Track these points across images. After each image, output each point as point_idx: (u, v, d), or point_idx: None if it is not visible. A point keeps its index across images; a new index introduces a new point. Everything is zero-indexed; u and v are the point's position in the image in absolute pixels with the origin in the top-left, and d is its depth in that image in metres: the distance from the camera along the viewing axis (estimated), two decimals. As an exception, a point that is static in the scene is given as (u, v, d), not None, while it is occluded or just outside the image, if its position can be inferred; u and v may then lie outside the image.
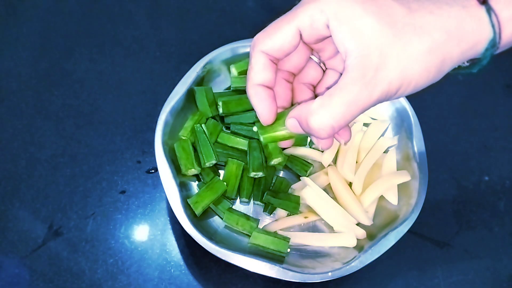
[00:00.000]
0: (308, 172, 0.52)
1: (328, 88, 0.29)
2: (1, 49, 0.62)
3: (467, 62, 0.31)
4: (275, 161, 0.51)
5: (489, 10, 0.28)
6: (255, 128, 0.50)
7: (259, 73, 0.32)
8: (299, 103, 0.33)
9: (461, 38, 0.28)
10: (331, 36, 0.29)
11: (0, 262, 0.49)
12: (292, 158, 0.53)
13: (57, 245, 0.50)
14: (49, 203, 0.52)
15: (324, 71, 0.35)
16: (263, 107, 0.32)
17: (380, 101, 0.29)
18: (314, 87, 0.36)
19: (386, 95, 0.29)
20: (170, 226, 0.52)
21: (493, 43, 0.29)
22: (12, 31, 0.63)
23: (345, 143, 0.34)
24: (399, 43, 0.27)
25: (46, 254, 0.49)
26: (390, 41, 0.27)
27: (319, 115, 0.28)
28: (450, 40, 0.28)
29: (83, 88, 0.59)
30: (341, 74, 0.31)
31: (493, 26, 0.28)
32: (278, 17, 0.32)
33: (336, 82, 0.29)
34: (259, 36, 0.31)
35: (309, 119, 0.29)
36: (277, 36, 0.30)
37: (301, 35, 0.30)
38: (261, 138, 0.34)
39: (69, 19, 0.65)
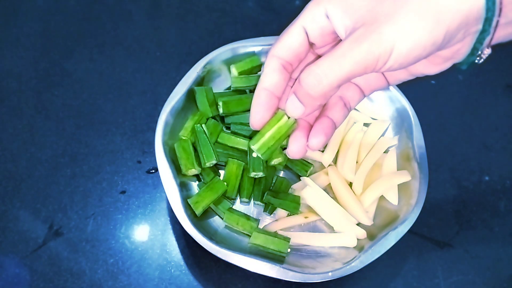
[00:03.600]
0: (308, 172, 0.52)
1: None
2: (1, 49, 0.62)
3: (468, 37, 0.30)
4: (275, 161, 0.51)
5: None
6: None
7: (267, 76, 0.33)
8: None
9: (460, 10, 0.27)
10: (332, 26, 0.31)
11: (0, 262, 0.49)
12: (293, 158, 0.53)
13: (58, 245, 0.50)
14: (50, 203, 0.52)
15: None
16: (257, 110, 0.33)
17: (374, 60, 0.28)
18: None
19: (379, 58, 0.28)
20: (170, 226, 0.52)
21: (491, 14, 0.28)
22: (12, 31, 0.63)
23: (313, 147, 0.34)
24: (391, 6, 0.28)
25: (46, 254, 0.49)
26: (382, 7, 0.28)
27: (322, 72, 0.29)
28: (452, 13, 0.27)
29: (83, 88, 0.59)
30: None
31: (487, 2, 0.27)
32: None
33: None
34: (273, 44, 0.33)
35: (318, 78, 0.29)
36: (285, 38, 0.32)
37: (307, 35, 0.32)
38: (257, 152, 0.35)
39: (69, 19, 0.65)
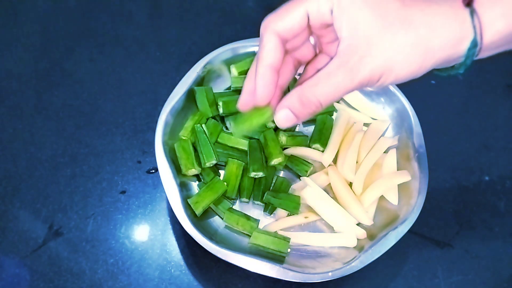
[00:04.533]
0: (308, 172, 0.52)
1: (318, 70, 0.32)
2: (1, 49, 0.62)
3: (452, 63, 0.33)
4: (275, 161, 0.51)
5: (472, 12, 0.30)
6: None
7: (270, 52, 0.33)
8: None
9: (444, 35, 0.30)
10: (333, 24, 0.32)
11: (1, 262, 0.49)
12: (293, 158, 0.53)
13: (58, 245, 0.50)
14: (50, 203, 0.52)
15: (316, 54, 0.37)
16: (266, 91, 0.34)
17: (362, 86, 0.32)
18: (299, 63, 0.37)
19: (368, 82, 0.31)
20: (170, 226, 0.52)
21: (474, 44, 0.31)
22: (12, 31, 0.63)
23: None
24: (387, 34, 0.30)
25: (47, 254, 0.49)
26: (378, 32, 0.30)
27: (308, 97, 0.32)
28: (433, 36, 0.30)
29: (83, 88, 0.59)
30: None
31: (474, 27, 0.30)
32: None
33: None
34: (270, 17, 0.33)
35: (302, 99, 0.32)
36: (288, 18, 0.32)
37: (308, 18, 0.33)
38: (234, 129, 0.36)
39: (69, 19, 0.65)
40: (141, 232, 0.51)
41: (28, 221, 0.51)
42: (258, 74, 0.33)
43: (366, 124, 0.55)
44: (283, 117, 0.33)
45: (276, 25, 0.33)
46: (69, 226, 0.51)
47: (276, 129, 0.54)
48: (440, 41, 0.30)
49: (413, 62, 0.31)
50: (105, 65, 0.61)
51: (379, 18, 0.30)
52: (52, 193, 0.52)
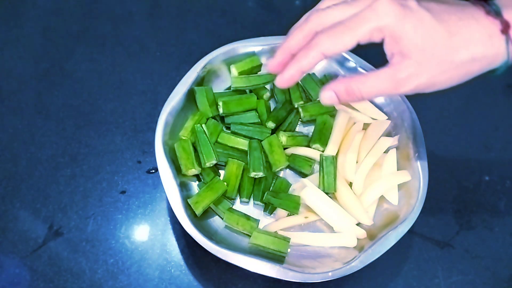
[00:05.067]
0: (311, 167, 0.52)
1: None
2: (1, 49, 0.62)
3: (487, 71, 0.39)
4: (280, 168, 0.51)
5: (508, 40, 0.36)
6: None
7: (309, 65, 0.38)
8: None
9: (482, 60, 0.37)
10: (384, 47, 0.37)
11: (1, 262, 0.49)
12: (294, 156, 0.53)
13: (58, 245, 0.50)
14: (50, 203, 0.52)
15: None
16: (279, 67, 0.40)
17: (403, 94, 0.39)
18: None
19: (410, 92, 0.37)
20: (170, 226, 0.52)
21: (506, 64, 0.37)
22: (13, 31, 0.63)
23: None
24: (434, 59, 0.36)
25: (47, 254, 0.49)
26: (428, 57, 0.35)
27: (354, 88, 0.37)
28: (473, 62, 0.36)
29: (83, 88, 0.59)
30: None
31: (508, 52, 0.36)
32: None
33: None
34: (322, 37, 0.37)
35: (347, 88, 0.38)
36: (339, 45, 0.36)
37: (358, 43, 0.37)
38: None
39: (69, 19, 0.65)
40: (141, 232, 0.51)
41: (28, 221, 0.51)
42: (279, 55, 0.40)
43: (366, 124, 0.55)
44: (328, 97, 0.39)
45: (327, 49, 0.37)
46: (69, 226, 0.51)
47: (275, 130, 0.54)
48: (480, 64, 0.37)
49: (454, 80, 0.37)
50: (105, 65, 0.61)
51: (430, 46, 0.35)
52: (52, 193, 0.52)
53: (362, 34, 0.36)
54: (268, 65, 0.41)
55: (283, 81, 0.39)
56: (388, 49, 0.37)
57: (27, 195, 0.52)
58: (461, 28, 0.36)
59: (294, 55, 0.39)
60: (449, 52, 0.36)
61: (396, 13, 0.35)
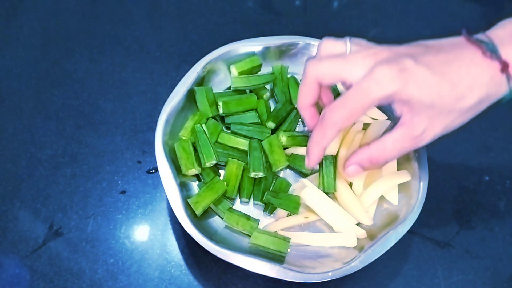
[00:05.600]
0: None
1: None
2: (1, 49, 0.62)
3: None
4: (280, 168, 0.51)
5: (509, 78, 0.37)
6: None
7: (328, 140, 0.41)
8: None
9: (488, 101, 0.39)
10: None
11: (1, 262, 0.49)
12: (294, 156, 0.53)
13: (58, 245, 0.50)
14: (50, 203, 0.52)
15: None
16: (312, 122, 0.45)
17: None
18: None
19: (427, 143, 0.40)
20: (170, 226, 0.52)
21: (509, 98, 0.39)
22: (12, 31, 0.63)
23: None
24: (444, 111, 0.37)
25: (47, 254, 0.49)
26: (438, 112, 0.37)
27: (377, 159, 0.41)
28: (480, 104, 0.38)
29: (83, 88, 0.60)
30: None
31: (510, 88, 0.38)
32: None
33: None
34: (335, 116, 0.39)
35: (371, 161, 0.42)
36: (350, 120, 0.39)
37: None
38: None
39: (69, 19, 0.65)
40: (141, 232, 0.51)
41: (28, 221, 0.51)
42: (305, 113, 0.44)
43: (366, 124, 0.55)
44: (353, 171, 0.43)
45: (341, 125, 0.39)
46: (69, 226, 0.51)
47: (275, 130, 0.54)
48: (486, 104, 0.39)
49: (466, 121, 0.39)
50: (105, 65, 0.61)
51: (437, 101, 0.37)
52: (52, 193, 0.52)
53: (370, 106, 0.38)
54: (306, 128, 0.45)
55: (312, 163, 0.43)
56: (396, 108, 0.39)
57: (27, 195, 0.52)
58: (462, 76, 0.37)
59: (313, 104, 0.43)
60: (456, 102, 0.37)
61: (397, 79, 0.36)
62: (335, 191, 0.50)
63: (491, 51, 0.37)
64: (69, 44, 0.63)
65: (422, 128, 0.38)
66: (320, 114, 0.41)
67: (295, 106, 0.56)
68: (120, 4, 0.67)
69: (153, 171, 0.55)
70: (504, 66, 0.37)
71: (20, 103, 0.58)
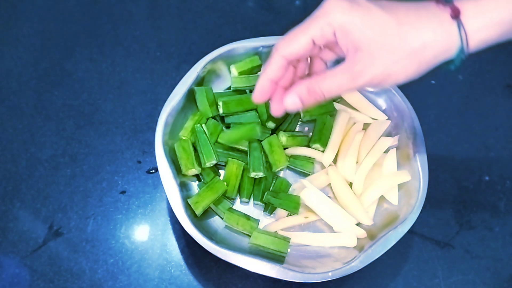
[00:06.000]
0: (312, 166, 0.52)
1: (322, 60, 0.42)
2: (1, 49, 0.62)
3: (444, 62, 0.38)
4: (280, 168, 0.51)
5: (459, 24, 0.36)
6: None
7: (273, 71, 0.40)
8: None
9: (435, 47, 0.36)
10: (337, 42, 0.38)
11: (1, 262, 0.49)
12: (294, 157, 0.53)
13: (58, 245, 0.50)
14: (50, 203, 0.52)
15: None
16: (260, 96, 0.42)
17: (363, 87, 0.40)
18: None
19: (369, 84, 0.38)
20: (170, 226, 0.52)
21: (461, 50, 0.37)
22: (12, 31, 0.63)
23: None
24: (385, 49, 0.36)
25: (47, 254, 0.49)
26: (379, 48, 0.36)
27: (314, 88, 0.39)
28: (425, 48, 0.36)
29: (83, 88, 0.60)
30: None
31: (461, 37, 0.36)
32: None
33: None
34: (280, 42, 0.39)
35: (309, 89, 0.39)
36: (294, 44, 0.38)
37: (313, 42, 0.38)
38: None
39: (69, 19, 0.65)
40: (141, 232, 0.51)
41: (28, 221, 0.51)
42: (258, 83, 0.41)
43: (366, 124, 0.55)
44: (291, 101, 0.40)
45: (284, 51, 0.38)
46: (69, 226, 0.51)
47: (275, 130, 0.54)
48: (432, 51, 0.36)
49: (409, 70, 0.37)
50: (105, 65, 0.61)
51: (379, 36, 0.36)
52: (52, 193, 0.52)
53: (314, 31, 0.37)
54: (253, 98, 0.42)
55: (256, 95, 0.42)
56: (341, 44, 0.38)
57: (27, 195, 0.52)
58: (410, 17, 0.36)
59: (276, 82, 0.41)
60: (399, 40, 0.36)
61: (343, 7, 0.36)
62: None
63: (445, 0, 0.37)
64: (69, 44, 0.63)
65: (362, 64, 0.37)
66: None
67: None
68: (120, 4, 0.67)
69: (153, 171, 0.55)
70: (456, 12, 0.36)
71: (20, 103, 0.58)
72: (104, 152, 0.55)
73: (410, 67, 0.37)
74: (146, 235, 0.51)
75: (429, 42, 0.36)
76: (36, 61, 0.61)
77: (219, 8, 0.67)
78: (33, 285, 0.48)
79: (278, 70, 0.40)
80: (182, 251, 0.50)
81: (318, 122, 0.54)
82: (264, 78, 0.41)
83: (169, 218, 0.52)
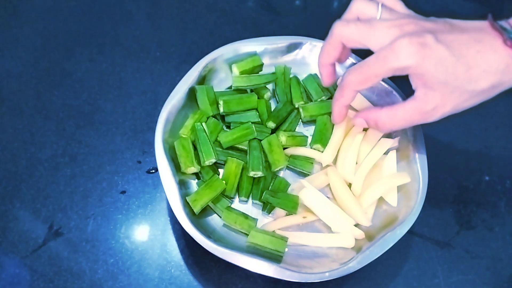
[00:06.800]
0: (312, 166, 0.52)
1: None
2: (1, 49, 0.62)
3: None
4: (279, 167, 0.51)
5: None
6: None
7: (347, 101, 0.45)
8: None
9: (501, 86, 0.39)
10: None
11: (1, 262, 0.49)
12: (294, 156, 0.53)
13: (58, 245, 0.50)
14: (50, 203, 0.52)
15: None
16: (341, 118, 0.48)
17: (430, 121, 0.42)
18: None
19: (436, 120, 0.41)
20: (170, 226, 0.52)
21: None
22: (12, 31, 0.63)
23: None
24: (457, 91, 0.39)
25: (47, 254, 0.49)
26: (451, 90, 0.39)
27: (384, 122, 0.43)
28: (493, 89, 0.39)
29: (83, 88, 0.60)
30: None
31: None
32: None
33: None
34: (353, 79, 0.42)
35: (378, 122, 0.44)
36: (367, 84, 0.42)
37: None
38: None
39: (69, 19, 0.65)
40: (141, 232, 0.51)
41: (28, 221, 0.51)
42: (335, 109, 0.47)
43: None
44: (359, 123, 0.47)
45: (357, 88, 0.43)
46: (69, 226, 0.51)
47: (275, 130, 0.54)
48: (499, 89, 0.40)
49: (476, 103, 0.41)
50: (105, 65, 0.62)
51: (451, 80, 0.38)
52: (52, 193, 0.53)
53: (385, 74, 0.39)
54: (333, 121, 0.49)
55: (335, 119, 0.48)
56: (412, 81, 0.40)
57: (27, 195, 0.52)
58: (479, 60, 0.38)
59: (333, 63, 0.46)
60: (469, 84, 0.38)
61: (416, 54, 0.37)
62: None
63: (511, 39, 0.38)
64: (69, 44, 0.63)
65: (434, 104, 0.39)
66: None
67: (296, 107, 0.56)
68: (120, 4, 0.67)
69: (153, 171, 0.55)
70: None
71: (20, 103, 0.58)
72: (104, 152, 0.55)
73: (478, 102, 0.41)
74: (146, 235, 0.51)
75: (497, 84, 0.39)
76: (36, 61, 0.61)
77: (219, 8, 0.67)
78: (33, 285, 0.48)
79: (351, 98, 0.44)
80: (182, 251, 0.50)
81: (318, 123, 0.54)
82: (339, 105, 0.46)
83: (169, 218, 0.52)
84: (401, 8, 0.43)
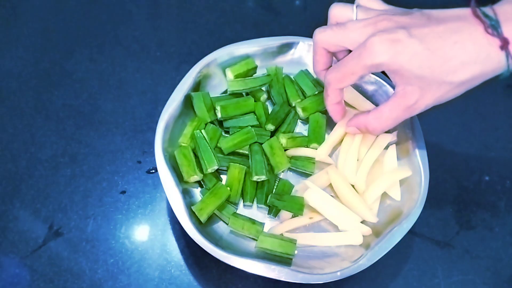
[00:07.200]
0: (314, 166, 0.52)
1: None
2: (1, 49, 0.62)
3: None
4: (282, 170, 0.51)
5: (508, 55, 0.37)
6: None
7: (335, 98, 0.47)
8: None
9: (482, 77, 0.39)
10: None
11: (0, 262, 0.49)
12: (296, 157, 0.53)
13: (58, 245, 0.50)
14: (50, 203, 0.52)
15: None
16: (339, 115, 0.50)
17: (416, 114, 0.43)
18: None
19: (421, 111, 0.42)
20: (170, 226, 0.52)
21: (507, 75, 0.38)
22: (12, 31, 0.63)
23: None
24: (435, 83, 0.38)
25: (47, 254, 0.49)
26: (429, 82, 0.38)
27: (374, 125, 0.44)
28: (474, 79, 0.39)
29: (83, 88, 0.59)
30: None
31: (508, 66, 0.37)
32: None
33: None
34: (333, 79, 0.44)
35: (368, 127, 0.45)
36: (345, 83, 0.43)
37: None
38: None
39: (69, 19, 0.65)
40: (141, 232, 0.51)
41: (28, 221, 0.51)
42: (329, 110, 0.49)
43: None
44: (351, 131, 0.48)
45: (338, 86, 0.45)
46: (69, 226, 0.51)
47: (274, 132, 0.54)
48: (480, 80, 0.39)
49: (459, 94, 0.40)
50: (105, 65, 0.61)
51: (428, 73, 0.38)
52: (52, 193, 0.52)
53: (362, 72, 0.40)
54: (335, 120, 0.50)
55: (334, 118, 0.49)
56: (391, 77, 0.41)
57: (27, 195, 0.52)
58: (457, 51, 0.37)
59: (326, 68, 0.47)
60: (447, 76, 0.38)
61: (388, 51, 0.38)
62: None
63: (493, 27, 0.36)
64: (69, 44, 0.63)
65: (414, 99, 0.40)
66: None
67: (293, 105, 0.56)
68: (120, 4, 0.67)
69: (153, 171, 0.55)
70: (504, 43, 0.36)
71: (20, 103, 0.58)
72: (104, 152, 0.55)
73: (460, 93, 0.40)
74: (146, 235, 0.51)
75: (477, 74, 0.38)
76: (36, 61, 0.61)
77: (219, 8, 0.67)
78: (33, 285, 0.48)
79: (337, 96, 0.46)
80: (182, 251, 0.50)
81: (311, 121, 0.54)
82: (330, 104, 0.47)
83: (169, 218, 0.52)
84: (379, 5, 0.43)
